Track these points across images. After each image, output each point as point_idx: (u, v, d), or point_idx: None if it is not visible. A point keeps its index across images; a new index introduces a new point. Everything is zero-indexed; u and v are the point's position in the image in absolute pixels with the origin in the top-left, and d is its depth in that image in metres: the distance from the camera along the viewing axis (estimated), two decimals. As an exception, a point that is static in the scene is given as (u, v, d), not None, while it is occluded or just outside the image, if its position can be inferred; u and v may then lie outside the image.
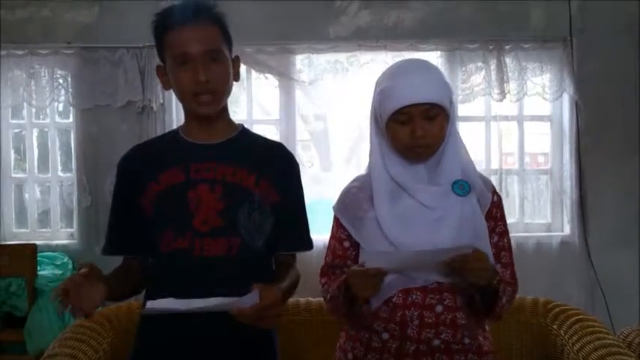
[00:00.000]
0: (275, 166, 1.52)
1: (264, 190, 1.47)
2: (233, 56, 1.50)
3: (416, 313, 1.42)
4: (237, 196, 1.44)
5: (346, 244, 1.55)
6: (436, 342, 1.42)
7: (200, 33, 1.39)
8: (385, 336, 1.45)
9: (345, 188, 1.61)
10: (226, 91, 1.47)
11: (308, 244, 1.59)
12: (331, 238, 1.60)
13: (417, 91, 1.38)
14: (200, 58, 1.38)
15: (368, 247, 1.47)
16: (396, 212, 1.45)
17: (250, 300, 1.24)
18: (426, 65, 1.47)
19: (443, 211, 1.43)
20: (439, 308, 1.42)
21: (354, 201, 1.54)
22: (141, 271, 1.54)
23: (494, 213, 1.51)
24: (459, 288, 1.43)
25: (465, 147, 1.52)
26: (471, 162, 1.51)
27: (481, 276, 1.35)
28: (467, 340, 1.46)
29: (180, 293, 1.31)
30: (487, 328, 1.57)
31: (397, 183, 1.47)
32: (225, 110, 1.53)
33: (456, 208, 1.44)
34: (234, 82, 1.51)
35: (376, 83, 1.51)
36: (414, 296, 1.43)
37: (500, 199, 1.55)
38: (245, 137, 1.56)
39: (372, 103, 1.51)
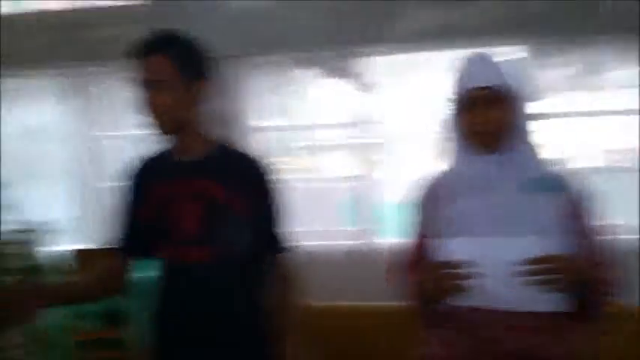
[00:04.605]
0: (247, 179, 1.67)
1: (236, 201, 1.63)
2: (202, 81, 1.63)
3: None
4: (214, 208, 1.62)
5: (424, 239, 1.56)
6: (518, 346, 1.38)
7: (148, 64, 1.57)
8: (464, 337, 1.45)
9: (425, 184, 1.64)
10: (170, 116, 1.60)
11: (282, 246, 1.71)
12: (412, 233, 1.62)
13: (475, 75, 1.46)
14: (145, 86, 1.58)
15: (440, 245, 1.49)
16: (466, 209, 1.48)
17: None
18: (489, 54, 1.51)
19: (513, 208, 1.43)
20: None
21: (431, 197, 1.58)
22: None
23: (577, 211, 1.45)
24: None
25: (541, 145, 1.51)
26: (547, 159, 1.51)
27: (563, 280, 1.30)
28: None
29: (169, 298, 1.61)
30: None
31: (470, 179, 1.50)
32: (194, 131, 1.67)
33: (527, 205, 1.43)
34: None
35: None
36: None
37: (584, 197, 1.49)
38: (221, 153, 1.71)
39: None
